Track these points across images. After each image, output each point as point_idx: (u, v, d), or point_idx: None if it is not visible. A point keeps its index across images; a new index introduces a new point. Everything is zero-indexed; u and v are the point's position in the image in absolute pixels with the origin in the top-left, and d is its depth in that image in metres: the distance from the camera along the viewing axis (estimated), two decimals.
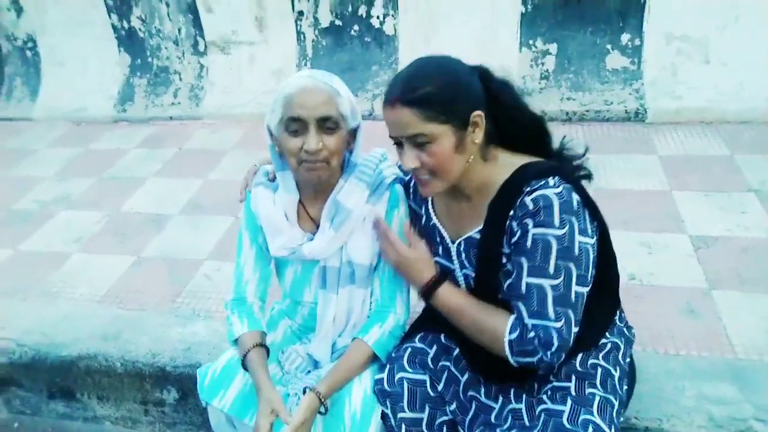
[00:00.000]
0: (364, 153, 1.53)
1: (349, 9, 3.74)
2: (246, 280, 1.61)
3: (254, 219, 1.57)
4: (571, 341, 1.20)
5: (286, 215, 1.51)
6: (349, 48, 3.83)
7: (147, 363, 2.01)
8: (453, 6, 3.50)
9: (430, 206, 1.47)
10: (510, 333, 1.22)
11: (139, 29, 4.13)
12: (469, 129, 1.23)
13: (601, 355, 1.37)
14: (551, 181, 1.21)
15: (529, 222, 1.20)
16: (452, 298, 1.34)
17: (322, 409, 1.39)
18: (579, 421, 1.21)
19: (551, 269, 1.19)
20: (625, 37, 3.36)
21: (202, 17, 3.96)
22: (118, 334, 2.13)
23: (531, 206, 1.20)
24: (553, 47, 3.46)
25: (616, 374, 1.36)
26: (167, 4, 4.00)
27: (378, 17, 3.72)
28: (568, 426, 1.20)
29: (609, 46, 3.39)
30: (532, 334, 1.19)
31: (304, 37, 3.89)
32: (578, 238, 1.20)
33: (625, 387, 1.41)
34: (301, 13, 3.83)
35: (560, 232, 1.18)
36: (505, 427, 1.32)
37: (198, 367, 1.92)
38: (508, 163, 1.30)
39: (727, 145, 2.96)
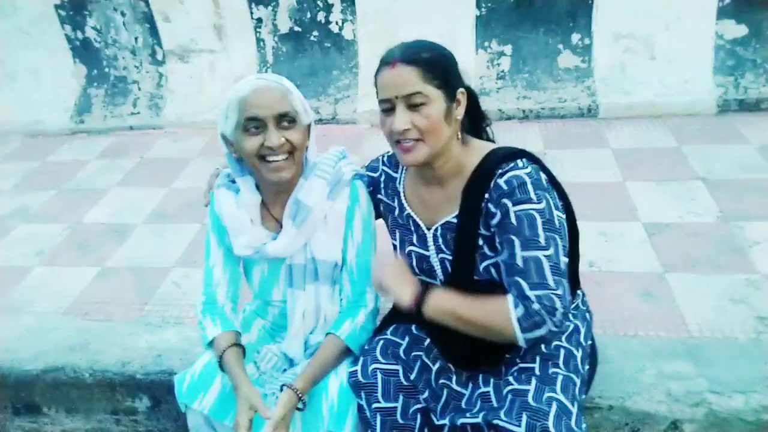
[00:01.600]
0: (323, 154, 1.57)
1: (308, 15, 3.77)
2: (216, 282, 1.62)
3: (219, 220, 1.59)
4: (570, 307, 1.29)
5: (250, 216, 1.54)
6: (310, 54, 3.86)
7: (117, 372, 1.98)
8: (410, 11, 3.58)
9: (402, 198, 1.51)
10: (515, 310, 1.24)
11: (95, 39, 4.07)
12: (453, 104, 1.31)
13: (563, 337, 1.44)
14: (520, 162, 1.30)
15: (508, 202, 1.26)
16: (445, 302, 1.33)
17: (300, 405, 1.42)
18: (543, 398, 1.26)
19: (542, 241, 1.24)
20: (575, 37, 3.49)
21: (159, 26, 3.93)
22: (86, 344, 2.09)
23: (505, 187, 1.27)
24: (507, 48, 3.56)
25: (578, 355, 1.42)
26: (123, 14, 3.96)
27: (337, 23, 3.76)
28: (533, 404, 1.25)
29: (561, 46, 3.52)
30: (536, 306, 1.23)
31: (264, 43, 3.91)
32: (555, 212, 1.27)
33: (587, 367, 1.48)
34: (259, 20, 3.84)
35: (540, 206, 1.25)
36: (475, 410, 1.36)
37: (170, 373, 1.94)
38: (477, 148, 1.38)
39: (674, 137, 3.11)
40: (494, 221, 1.30)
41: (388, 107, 1.31)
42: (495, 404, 1.34)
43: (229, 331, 1.54)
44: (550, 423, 1.20)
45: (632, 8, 3.35)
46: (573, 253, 1.47)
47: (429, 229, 1.45)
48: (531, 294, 1.24)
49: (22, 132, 4.16)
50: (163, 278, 2.47)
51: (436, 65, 1.28)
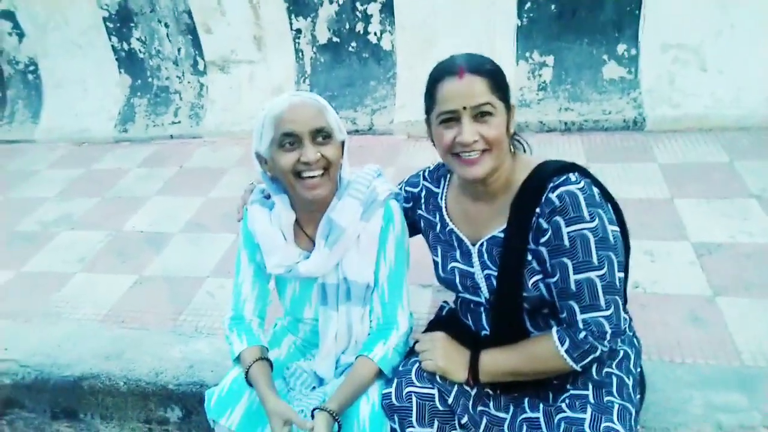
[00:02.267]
0: (357, 169, 1.54)
1: (347, 26, 3.78)
2: (244, 298, 1.60)
3: (251, 237, 1.58)
4: (623, 324, 1.25)
5: (283, 233, 1.52)
6: (348, 64, 3.87)
7: (150, 381, 2.00)
8: (449, 21, 3.54)
9: (444, 213, 1.47)
10: (561, 345, 1.26)
11: (139, 50, 4.18)
12: (511, 115, 1.30)
13: (614, 364, 1.39)
14: (572, 177, 1.26)
15: (560, 220, 1.23)
16: (497, 364, 1.34)
17: (336, 427, 1.38)
18: (601, 428, 1.21)
19: (595, 261, 1.22)
20: (621, 48, 3.38)
21: (201, 38, 4.00)
22: (121, 353, 2.12)
23: (557, 202, 1.23)
24: (549, 59, 3.48)
25: (630, 383, 1.37)
26: (166, 26, 4.05)
27: (375, 33, 3.76)
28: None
29: (605, 57, 3.41)
30: (582, 334, 1.24)
31: (303, 54, 3.93)
32: (609, 227, 1.23)
33: (638, 396, 1.41)
34: (299, 31, 3.87)
35: (592, 225, 1.22)
36: None
37: (201, 384, 1.95)
38: (525, 162, 1.34)
39: (726, 152, 2.96)
40: (544, 238, 1.26)
41: (449, 118, 1.26)
42: (545, 427, 1.29)
43: (255, 346, 1.53)
44: None
45: (681, 17, 3.22)
46: (624, 270, 1.41)
47: (474, 244, 1.40)
48: (580, 319, 1.24)
49: (68, 140, 4.30)
50: (197, 288, 2.49)
51: (499, 76, 1.27)
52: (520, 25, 3.47)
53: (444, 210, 1.47)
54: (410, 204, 1.55)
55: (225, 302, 2.35)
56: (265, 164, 1.46)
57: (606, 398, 1.30)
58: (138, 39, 4.14)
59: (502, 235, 1.34)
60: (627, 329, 1.46)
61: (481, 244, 1.39)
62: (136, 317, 2.36)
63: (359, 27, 3.76)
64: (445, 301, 1.72)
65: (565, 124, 3.37)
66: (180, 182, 3.49)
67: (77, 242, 2.99)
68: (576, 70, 3.45)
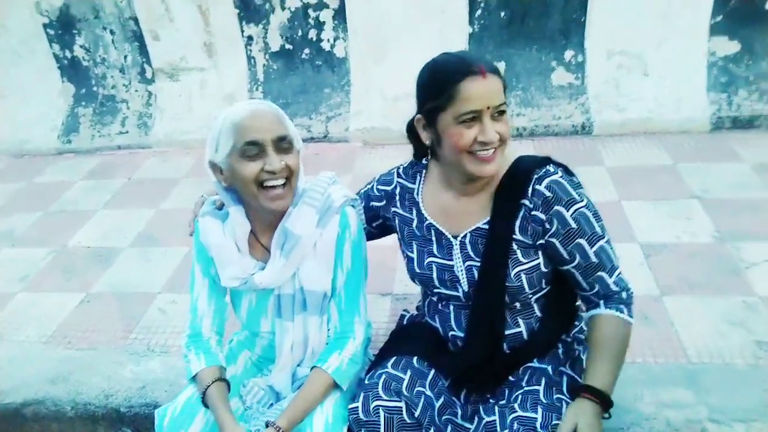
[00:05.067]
0: (311, 177, 1.52)
1: (299, 33, 3.75)
2: (201, 315, 1.56)
3: (204, 251, 1.54)
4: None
5: (237, 245, 1.49)
6: (301, 71, 3.83)
7: (100, 405, 1.92)
8: (401, 28, 3.55)
9: (422, 208, 1.49)
10: (625, 315, 1.35)
11: (83, 58, 4.03)
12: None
13: (568, 364, 1.45)
14: (551, 168, 1.36)
15: (560, 208, 1.31)
16: (608, 380, 1.30)
17: None
18: (551, 427, 1.25)
19: (599, 231, 1.34)
20: (568, 54, 3.47)
21: (148, 45, 3.89)
22: (68, 375, 2.04)
23: (548, 193, 1.32)
24: (500, 65, 3.54)
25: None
26: (112, 32, 3.92)
27: (328, 40, 3.74)
28: (540, 430, 1.25)
29: (554, 63, 3.50)
30: (623, 295, 1.37)
31: (255, 61, 3.88)
32: (591, 202, 1.36)
33: None
34: (250, 38, 3.81)
35: (585, 203, 1.34)
36: None
37: (155, 405, 1.88)
38: (506, 155, 1.40)
39: (669, 155, 3.08)
40: (552, 230, 1.33)
41: (470, 118, 1.27)
42: (499, 428, 1.31)
43: (213, 366, 1.49)
44: None
45: (624, 25, 3.34)
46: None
47: (455, 237, 1.43)
48: (611, 283, 1.36)
49: (8, 152, 4.11)
50: (148, 304, 2.41)
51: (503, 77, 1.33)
52: (471, 32, 3.52)
53: (421, 205, 1.49)
54: (383, 202, 1.56)
55: (177, 318, 2.29)
56: (220, 174, 1.42)
57: (556, 396, 1.34)
58: (81, 46, 3.99)
59: (486, 226, 1.38)
60: (582, 331, 1.54)
61: (464, 237, 1.42)
62: (84, 337, 2.27)
63: (312, 34, 3.74)
64: (405, 310, 1.73)
65: (517, 129, 3.44)
66: (129, 194, 3.38)
67: (18, 260, 2.85)
68: (526, 76, 3.52)
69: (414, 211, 1.50)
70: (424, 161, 1.53)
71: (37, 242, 2.99)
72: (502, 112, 1.30)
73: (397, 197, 1.54)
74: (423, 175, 1.52)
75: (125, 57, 3.99)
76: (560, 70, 3.49)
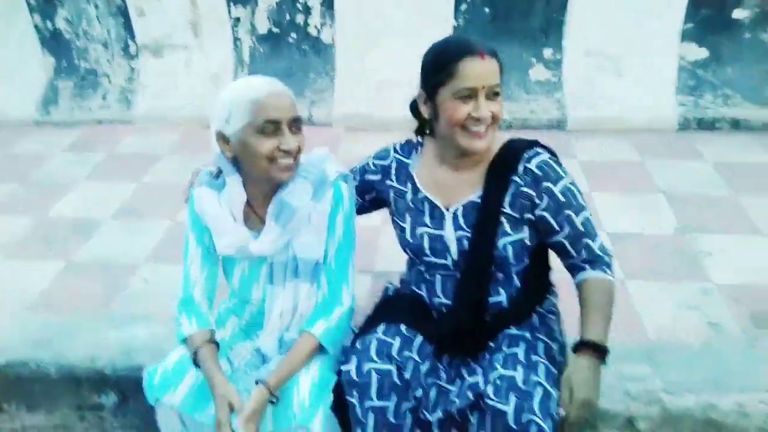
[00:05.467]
0: (306, 153, 1.59)
1: (287, 17, 3.79)
2: (194, 281, 1.63)
3: (199, 220, 1.60)
4: None
5: (232, 215, 1.55)
6: (287, 55, 3.87)
7: (84, 367, 1.96)
8: (388, 19, 3.63)
9: (417, 181, 1.59)
10: (609, 275, 1.49)
11: (65, 31, 3.99)
12: None
13: (544, 331, 1.57)
14: (539, 149, 1.51)
15: (549, 184, 1.46)
16: (602, 333, 1.43)
17: (273, 399, 1.44)
18: (531, 382, 1.35)
19: (583, 203, 1.49)
20: (547, 52, 3.60)
21: (133, 20, 3.88)
22: (51, 340, 2.06)
23: (539, 172, 1.46)
24: None
25: (555, 348, 1.55)
26: (96, 6, 3.89)
27: (315, 26, 3.79)
28: (522, 386, 1.35)
29: (533, 60, 3.63)
30: (606, 259, 1.51)
31: (241, 43, 3.90)
32: (575, 181, 1.51)
33: (561, 358, 1.57)
34: (237, 19, 3.83)
35: (570, 179, 1.49)
36: (468, 401, 1.43)
37: (139, 369, 1.91)
38: (497, 137, 1.51)
39: (638, 152, 3.24)
40: (542, 205, 1.47)
41: (468, 95, 1.39)
42: (483, 387, 1.41)
43: (204, 329, 1.56)
44: (536, 405, 1.31)
45: (602, 28, 3.48)
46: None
47: (447, 209, 1.53)
48: (596, 248, 1.50)
49: None
50: (131, 274, 2.45)
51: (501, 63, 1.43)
52: (456, 25, 3.62)
53: (416, 178, 1.59)
54: (379, 176, 1.66)
55: (161, 288, 2.34)
56: (226, 144, 1.48)
57: (534, 358, 1.45)
58: (64, 19, 3.95)
59: (478, 200, 1.50)
60: (555, 305, 1.67)
61: (456, 209, 1.53)
62: (66, 305, 2.28)
63: (299, 19, 3.78)
64: (389, 282, 1.81)
65: None
66: (110, 167, 3.38)
67: None
68: (506, 71, 3.60)
69: (409, 185, 1.60)
70: (419, 139, 1.64)
71: (17, 211, 2.97)
72: (497, 94, 1.42)
73: (393, 171, 1.63)
74: (418, 151, 1.63)
75: (109, 32, 3.97)
76: (539, 66, 3.62)
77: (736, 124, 3.41)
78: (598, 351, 1.40)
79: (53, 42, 4.03)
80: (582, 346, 1.41)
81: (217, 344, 1.56)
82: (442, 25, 3.60)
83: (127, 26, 3.91)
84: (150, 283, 2.39)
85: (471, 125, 1.41)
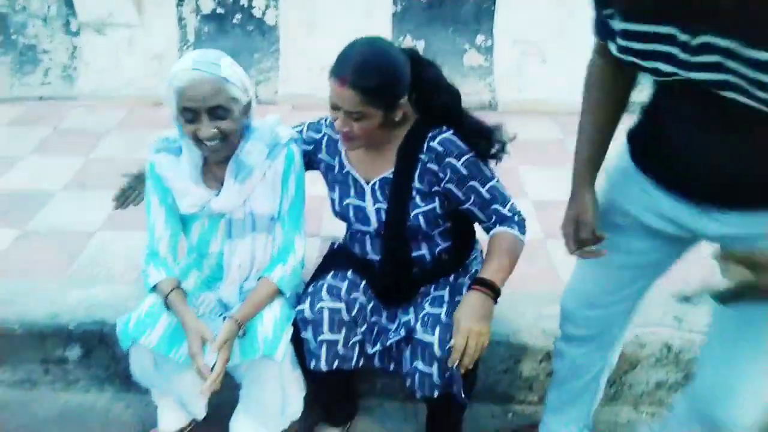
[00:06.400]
0: (260, 118, 1.76)
1: None
2: (158, 237, 1.76)
3: (161, 182, 1.74)
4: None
5: (191, 177, 1.71)
6: (232, 35, 3.98)
7: (47, 324, 2.05)
8: (330, 3, 3.81)
9: (343, 157, 1.75)
10: (517, 232, 1.65)
11: (1, 5, 3.92)
12: (395, 111, 1.55)
13: (467, 277, 1.80)
14: (444, 128, 1.60)
15: (452, 160, 1.57)
16: (502, 276, 1.58)
17: (241, 333, 1.63)
18: (452, 318, 1.55)
19: (489, 174, 1.62)
20: (480, 38, 3.89)
21: None
22: (12, 299, 2.13)
23: (441, 148, 1.57)
24: (420, 43, 3.90)
25: None
26: None
27: (260, 8, 3.91)
28: (444, 320, 1.58)
29: (467, 46, 3.91)
30: (517, 218, 1.66)
31: (186, 22, 3.97)
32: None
33: None
34: None
35: (471, 153, 1.59)
36: (400, 336, 1.66)
37: (103, 323, 2.05)
38: (409, 117, 1.64)
39: (561, 130, 3.59)
40: (446, 178, 1.59)
41: (333, 107, 1.52)
42: (413, 324, 1.64)
43: (172, 277, 1.71)
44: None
45: (527, 18, 3.80)
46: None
47: (368, 183, 1.71)
48: (506, 211, 1.63)
49: None
50: (87, 240, 2.53)
51: (380, 92, 1.47)
52: (395, 11, 3.84)
53: (342, 154, 1.75)
54: (311, 147, 1.80)
55: (119, 252, 2.44)
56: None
57: (457, 298, 1.67)
58: None
59: (391, 176, 1.66)
60: (477, 257, 1.89)
61: (374, 183, 1.69)
62: (23, 270, 2.35)
63: (243, 0, 3.89)
64: (335, 238, 2.02)
65: None
66: (56, 142, 3.39)
67: None
68: (442, 56, 3.89)
69: (336, 159, 1.77)
70: None
71: None
72: (358, 118, 1.49)
73: (323, 145, 1.79)
74: None
75: (48, 7, 3.93)
76: (472, 52, 3.90)
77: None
78: (489, 289, 1.53)
79: None
80: (474, 284, 1.55)
81: (184, 291, 1.71)
82: (382, 11, 3.82)
83: (68, 3, 3.90)
84: (106, 250, 2.48)
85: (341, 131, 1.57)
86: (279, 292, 1.73)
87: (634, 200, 1.38)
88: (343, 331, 1.66)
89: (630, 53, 1.08)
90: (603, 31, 1.17)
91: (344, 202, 1.75)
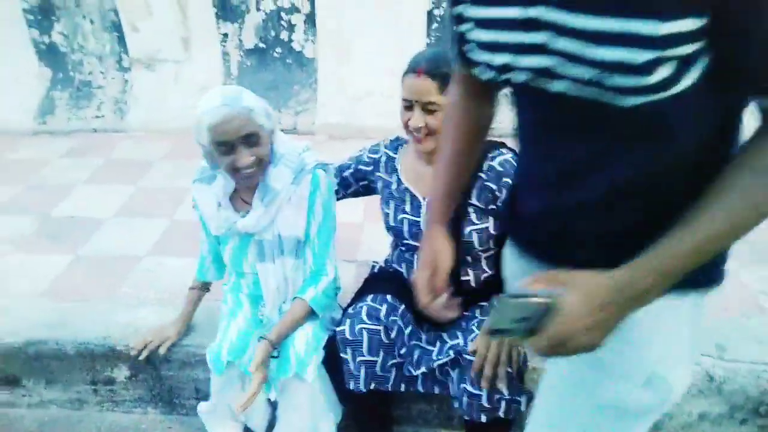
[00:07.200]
0: (288, 144, 1.84)
1: (272, 34, 4.07)
2: (205, 256, 1.98)
3: (198, 209, 1.88)
4: None
5: (219, 203, 1.81)
6: (272, 68, 4.15)
7: (98, 344, 2.15)
8: (365, 36, 3.93)
9: (400, 174, 1.84)
10: None
11: (61, 44, 4.21)
12: None
13: None
14: (503, 150, 1.70)
15: (508, 179, 1.64)
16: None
17: (275, 353, 1.70)
18: None
19: None
20: None
21: (126, 35, 4.12)
22: (65, 321, 2.25)
23: (500, 168, 1.66)
24: None
25: None
26: (92, 22, 4.13)
27: (299, 42, 4.08)
28: None
29: None
30: None
31: (229, 57, 4.17)
32: None
33: None
34: (226, 35, 4.10)
35: None
36: (450, 356, 1.70)
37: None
38: None
39: None
40: (502, 196, 1.65)
41: (408, 105, 1.63)
42: (463, 345, 1.69)
43: (200, 280, 2.00)
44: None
45: None
46: None
47: (424, 199, 1.78)
48: None
49: None
50: (135, 265, 2.66)
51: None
52: (428, 43, 3.94)
53: (399, 171, 1.84)
54: (371, 167, 1.91)
55: (165, 276, 2.55)
56: (207, 150, 1.72)
57: None
58: (60, 33, 4.17)
59: None
60: None
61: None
62: (75, 293, 2.48)
63: (284, 35, 4.07)
64: (374, 261, 2.08)
65: None
66: (108, 172, 3.59)
67: (3, 226, 3.02)
68: None
69: (394, 177, 1.85)
70: (405, 137, 1.86)
71: (21, 211, 3.15)
72: (434, 111, 1.59)
73: (382, 164, 1.89)
74: (403, 147, 1.89)
75: (103, 46, 4.19)
76: None
77: None
78: None
79: (50, 55, 4.24)
80: None
81: (207, 289, 2.05)
82: (414, 43, 3.92)
83: (121, 41, 4.15)
84: (154, 272, 2.60)
85: (411, 131, 1.66)
86: (312, 313, 1.80)
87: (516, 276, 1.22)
88: (382, 353, 1.71)
89: (481, 50, 0.95)
90: (459, 50, 1.06)
91: (399, 217, 1.82)
